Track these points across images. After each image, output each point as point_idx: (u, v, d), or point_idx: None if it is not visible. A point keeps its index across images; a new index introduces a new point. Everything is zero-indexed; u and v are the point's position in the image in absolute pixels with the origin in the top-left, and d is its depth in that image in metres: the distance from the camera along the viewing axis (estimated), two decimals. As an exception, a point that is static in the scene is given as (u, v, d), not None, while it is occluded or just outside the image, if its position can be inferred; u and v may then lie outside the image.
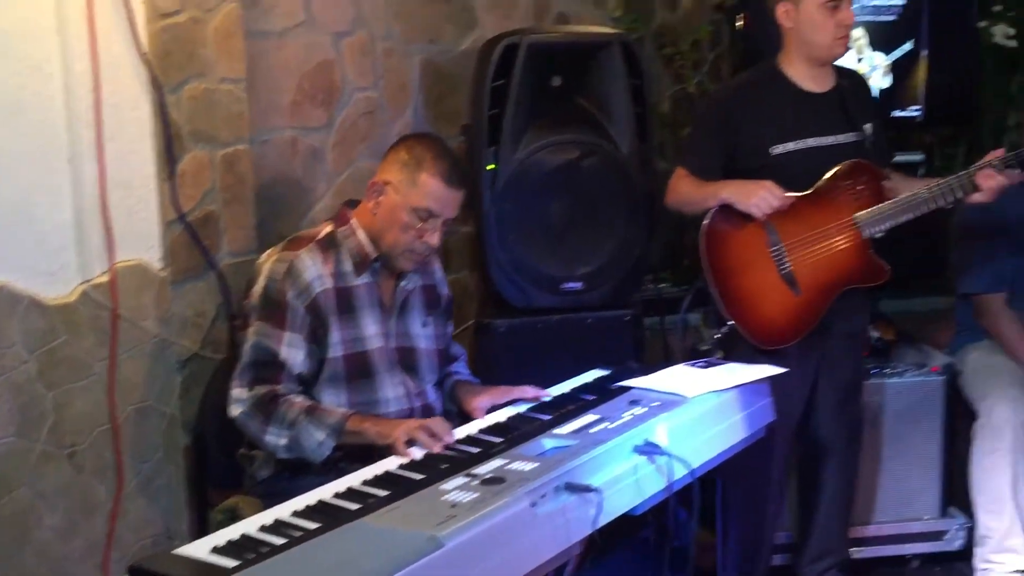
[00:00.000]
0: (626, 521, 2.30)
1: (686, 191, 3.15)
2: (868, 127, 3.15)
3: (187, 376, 2.83)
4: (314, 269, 2.56)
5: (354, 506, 2.05)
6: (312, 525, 1.97)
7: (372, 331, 2.64)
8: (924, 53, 4.00)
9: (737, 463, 3.17)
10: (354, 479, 2.21)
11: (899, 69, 4.00)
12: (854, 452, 3.38)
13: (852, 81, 3.24)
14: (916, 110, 4.03)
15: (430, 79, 3.68)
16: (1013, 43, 4.16)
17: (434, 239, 2.60)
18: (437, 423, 2.43)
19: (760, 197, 2.99)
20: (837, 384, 3.27)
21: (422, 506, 1.97)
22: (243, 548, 1.89)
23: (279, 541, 1.90)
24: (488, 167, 3.24)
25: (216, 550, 1.89)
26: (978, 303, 3.58)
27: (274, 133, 3.18)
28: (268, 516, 2.03)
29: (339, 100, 3.36)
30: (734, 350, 3.17)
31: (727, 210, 3.07)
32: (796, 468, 3.44)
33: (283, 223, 3.22)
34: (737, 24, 3.92)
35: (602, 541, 2.20)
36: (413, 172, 2.55)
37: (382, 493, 2.11)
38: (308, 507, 2.08)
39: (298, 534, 1.93)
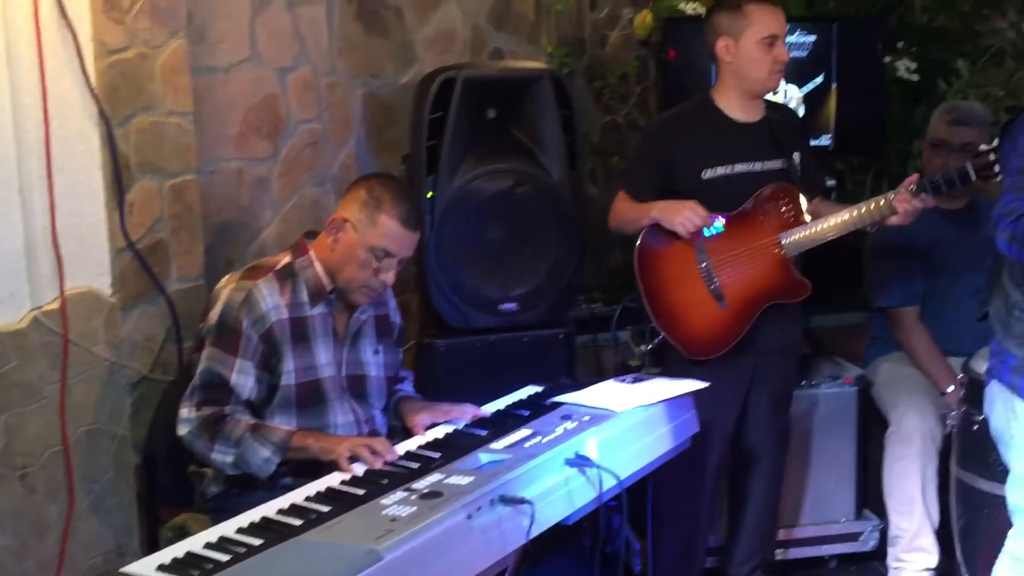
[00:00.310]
0: (563, 529, 2.31)
1: (624, 211, 3.19)
2: (796, 156, 3.19)
3: (137, 398, 2.78)
4: (271, 299, 2.53)
5: (297, 522, 2.03)
6: (256, 541, 1.94)
7: (325, 360, 2.61)
8: (834, 86, 4.08)
9: (671, 472, 3.19)
10: (297, 495, 2.18)
11: (811, 101, 4.07)
12: (781, 460, 3.41)
13: (782, 115, 3.29)
14: (827, 139, 4.11)
15: (372, 111, 3.66)
16: (915, 77, 4.24)
17: (389, 277, 2.58)
18: (379, 442, 2.41)
19: (685, 216, 3.02)
20: (768, 395, 3.28)
21: (362, 520, 1.96)
22: (188, 565, 1.86)
23: (223, 558, 1.88)
24: (428, 195, 3.24)
25: (162, 567, 1.86)
26: (893, 316, 3.62)
27: (221, 164, 3.14)
28: (213, 533, 2.00)
29: (284, 132, 3.33)
30: (668, 363, 3.20)
31: (659, 229, 3.10)
32: (727, 474, 3.46)
33: (231, 250, 3.19)
34: (662, 57, 3.98)
35: (535, 550, 2.20)
36: (372, 212, 2.53)
37: (324, 509, 2.08)
38: (252, 524, 2.04)
39: (242, 550, 1.90)
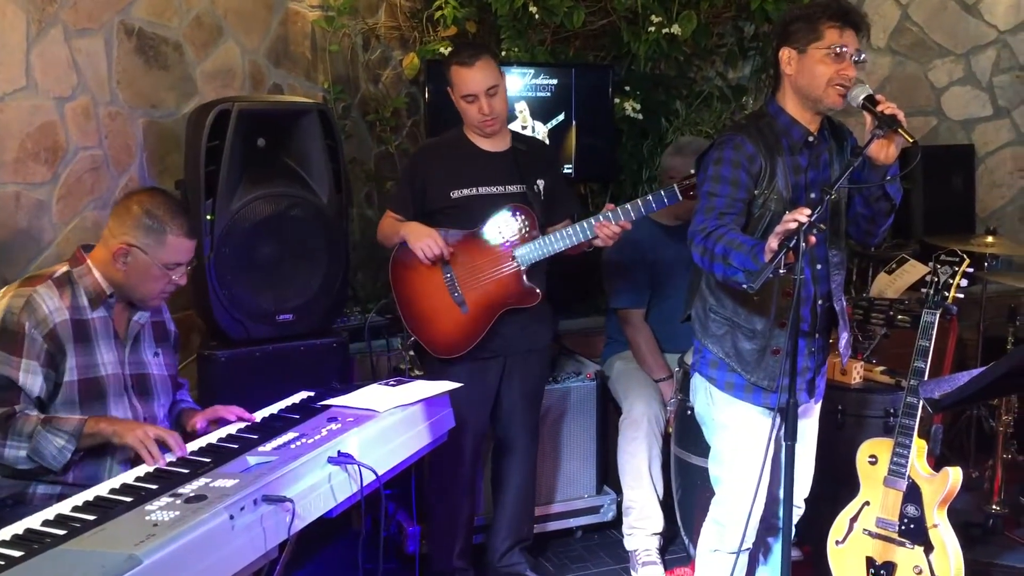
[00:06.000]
0: (344, 518, 2.24)
1: (385, 228, 3.22)
2: (540, 183, 3.22)
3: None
4: (51, 302, 2.38)
5: (60, 532, 1.86)
6: (16, 553, 1.76)
7: (108, 359, 2.47)
8: (574, 123, 4.18)
9: (432, 462, 3.17)
10: (64, 506, 2.00)
11: (555, 135, 4.16)
12: (533, 449, 3.43)
13: (529, 146, 3.30)
14: (569, 168, 4.21)
15: (154, 139, 3.45)
16: (640, 116, 4.40)
17: (182, 279, 2.53)
18: (172, 437, 2.28)
19: (424, 243, 3.03)
20: (518, 392, 3.30)
21: (125, 527, 1.81)
22: (-59, 582, 1.67)
23: (-21, 572, 1.70)
24: (208, 217, 3.09)
25: (-88, 586, 1.66)
26: (623, 316, 3.73)
27: (-3, 188, 2.89)
28: (-28, 548, 1.81)
29: (63, 158, 3.09)
30: (428, 366, 3.20)
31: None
32: (489, 462, 3.47)
33: (9, 270, 2.93)
34: (428, 94, 3.96)
35: (309, 539, 2.12)
36: (159, 235, 2.43)
37: (89, 518, 1.91)
38: (15, 536, 1.86)
39: (0, 563, 1.72)
